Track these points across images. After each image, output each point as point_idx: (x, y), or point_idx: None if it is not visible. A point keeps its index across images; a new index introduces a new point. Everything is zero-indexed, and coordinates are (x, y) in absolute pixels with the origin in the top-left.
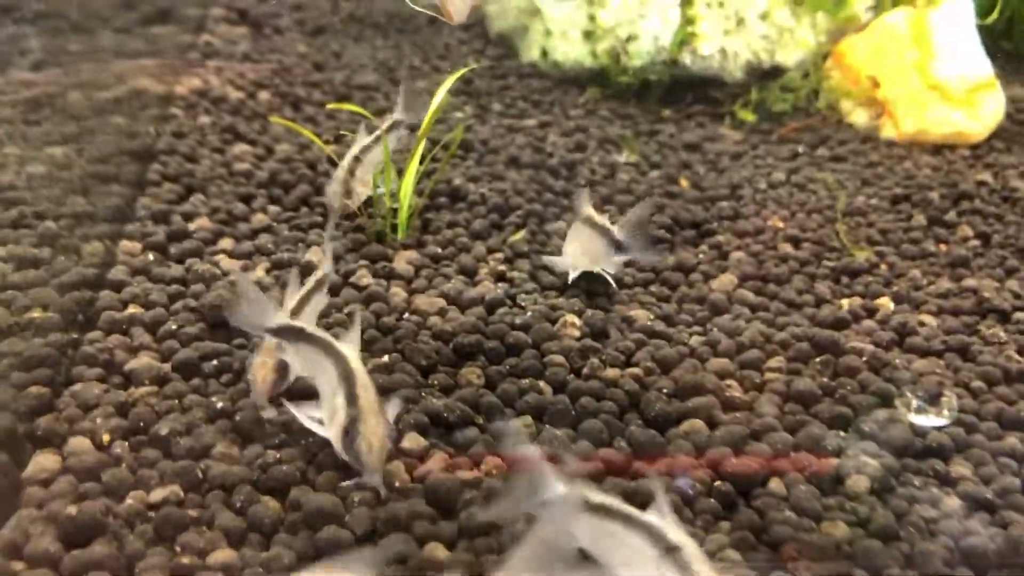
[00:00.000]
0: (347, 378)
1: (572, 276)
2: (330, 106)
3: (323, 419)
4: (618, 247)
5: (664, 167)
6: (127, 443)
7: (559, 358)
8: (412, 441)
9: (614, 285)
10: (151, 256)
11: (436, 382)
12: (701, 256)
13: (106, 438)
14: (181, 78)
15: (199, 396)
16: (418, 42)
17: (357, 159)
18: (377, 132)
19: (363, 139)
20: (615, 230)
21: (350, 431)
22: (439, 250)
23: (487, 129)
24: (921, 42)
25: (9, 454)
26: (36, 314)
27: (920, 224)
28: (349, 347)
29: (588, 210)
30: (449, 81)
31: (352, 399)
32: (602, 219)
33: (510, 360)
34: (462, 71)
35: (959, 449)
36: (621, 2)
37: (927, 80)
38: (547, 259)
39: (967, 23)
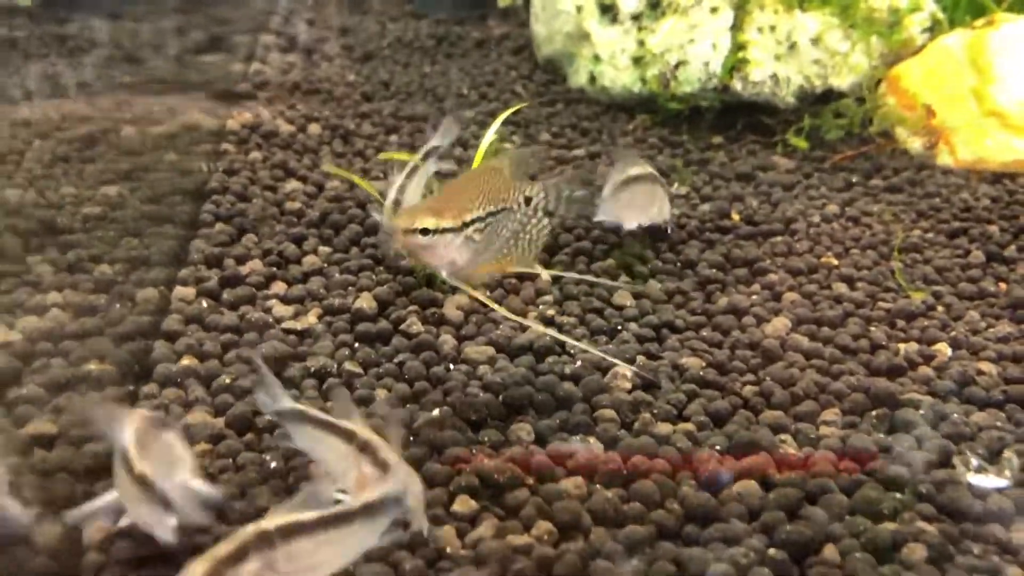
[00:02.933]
0: (365, 447)
1: (627, 229)
2: (381, 156)
3: (348, 492)
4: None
5: (715, 199)
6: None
7: (610, 412)
8: (463, 504)
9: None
10: (204, 303)
11: (487, 438)
12: (754, 298)
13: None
14: (233, 111)
15: (252, 453)
16: (465, 67)
17: (397, 202)
18: (411, 166)
19: (398, 178)
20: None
21: (391, 494)
22: (488, 294)
23: (535, 161)
24: (979, 66)
25: None
26: (93, 366)
27: (979, 260)
28: (353, 422)
29: (637, 164)
30: (499, 120)
31: (381, 464)
32: (654, 171)
33: (560, 413)
34: (513, 108)
35: (1021, 513)
36: (670, 27)
37: (986, 106)
38: (600, 218)
39: None
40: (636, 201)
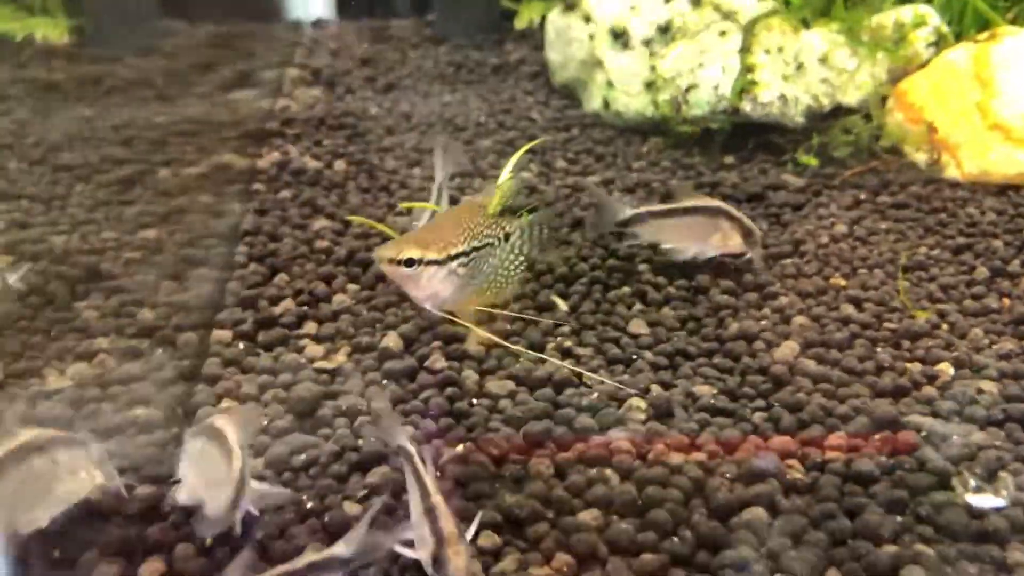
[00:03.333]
0: (430, 511)
1: (683, 258)
2: (402, 206)
3: (415, 541)
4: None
5: None
6: (228, 548)
7: (626, 444)
8: (487, 539)
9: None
10: (241, 345)
11: (508, 473)
12: (764, 323)
13: (208, 541)
14: (263, 150)
15: (290, 492)
16: (483, 94)
17: None
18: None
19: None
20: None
21: (439, 559)
22: (508, 326)
23: (552, 189)
24: (982, 80)
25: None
26: (139, 411)
27: (983, 276)
28: (432, 478)
29: (699, 196)
30: (517, 155)
31: (437, 531)
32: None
33: (578, 446)
34: (532, 143)
35: (1016, 532)
36: (680, 51)
37: (989, 120)
38: (666, 247)
39: None
40: (694, 231)
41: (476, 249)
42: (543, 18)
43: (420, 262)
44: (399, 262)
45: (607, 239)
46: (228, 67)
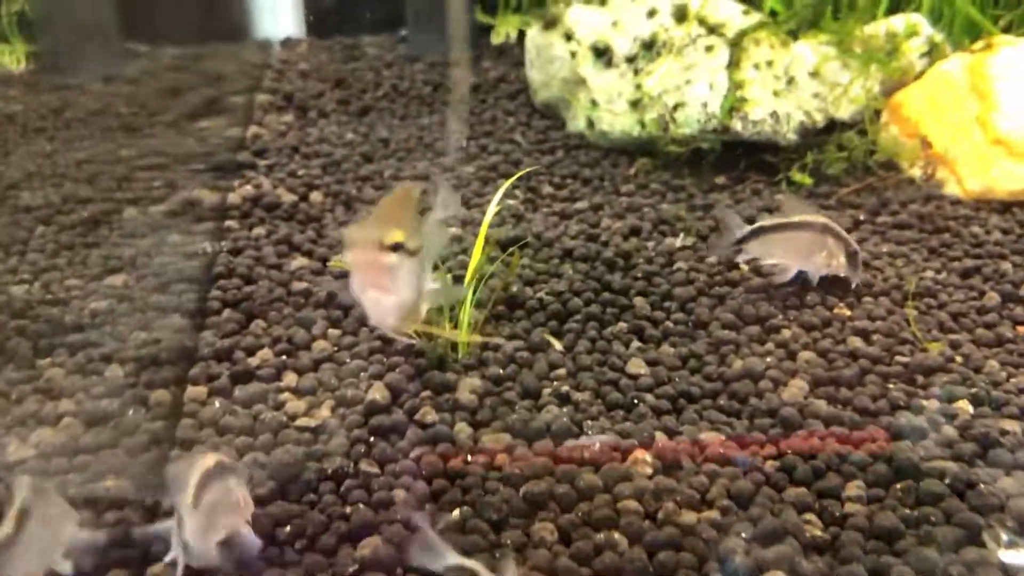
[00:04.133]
0: None
1: (786, 278)
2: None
3: None
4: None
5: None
6: None
7: (633, 504)
8: None
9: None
10: (217, 403)
11: (509, 541)
12: (769, 360)
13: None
14: (234, 183)
15: (277, 570)
16: (465, 114)
17: None
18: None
19: None
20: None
21: None
22: (500, 371)
23: (539, 218)
24: (980, 92)
25: None
26: (110, 483)
27: (994, 302)
28: None
29: (803, 209)
30: (505, 186)
31: None
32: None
33: (582, 506)
34: (521, 172)
35: None
36: (666, 68)
37: (990, 134)
38: (767, 263)
39: None
40: (800, 249)
41: (421, 247)
42: (520, 33)
43: (403, 248)
44: (385, 247)
45: (726, 257)
46: (195, 93)
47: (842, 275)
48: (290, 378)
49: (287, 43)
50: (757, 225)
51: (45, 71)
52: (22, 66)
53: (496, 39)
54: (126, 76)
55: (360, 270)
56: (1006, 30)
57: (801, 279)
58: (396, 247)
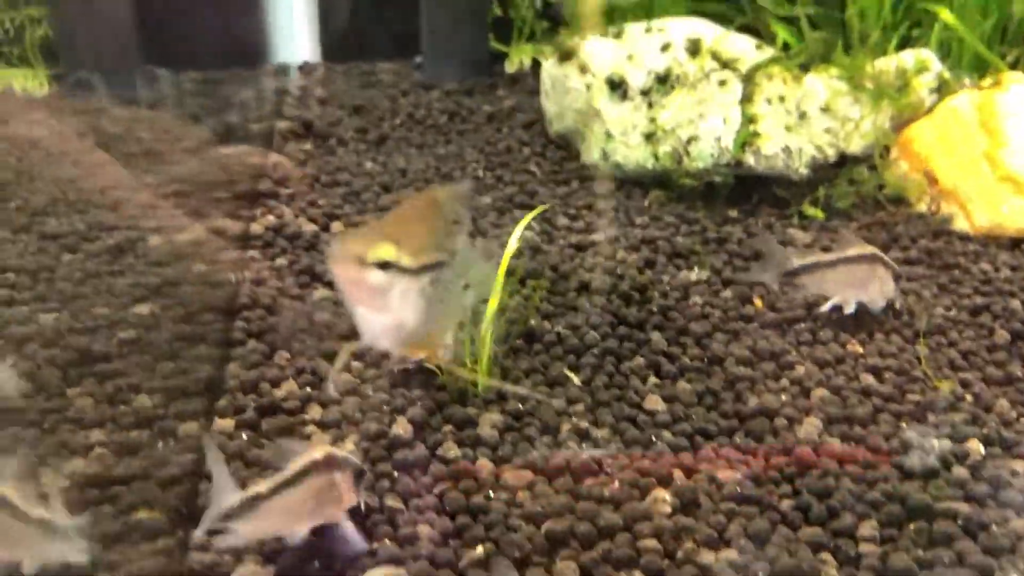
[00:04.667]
0: None
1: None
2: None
3: None
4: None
5: (737, 283)
6: None
7: (652, 542)
8: None
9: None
10: (245, 436)
11: None
12: (784, 397)
13: None
14: (256, 212)
15: None
16: (479, 144)
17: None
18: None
19: None
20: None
21: None
22: (520, 406)
23: (555, 250)
24: (989, 129)
25: None
26: (143, 515)
27: (1004, 340)
28: None
29: (858, 242)
30: (524, 222)
31: None
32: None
33: (603, 544)
34: (540, 209)
35: None
36: (680, 102)
37: (999, 171)
38: (813, 293)
39: None
40: (855, 280)
41: (440, 265)
42: (534, 61)
43: (396, 268)
44: (368, 264)
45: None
46: (216, 119)
47: (892, 300)
48: (315, 411)
49: (304, 68)
50: (811, 261)
51: (67, 95)
52: (45, 90)
53: (510, 67)
54: (147, 101)
55: (342, 287)
56: (1013, 66)
57: (871, 309)
58: (384, 265)
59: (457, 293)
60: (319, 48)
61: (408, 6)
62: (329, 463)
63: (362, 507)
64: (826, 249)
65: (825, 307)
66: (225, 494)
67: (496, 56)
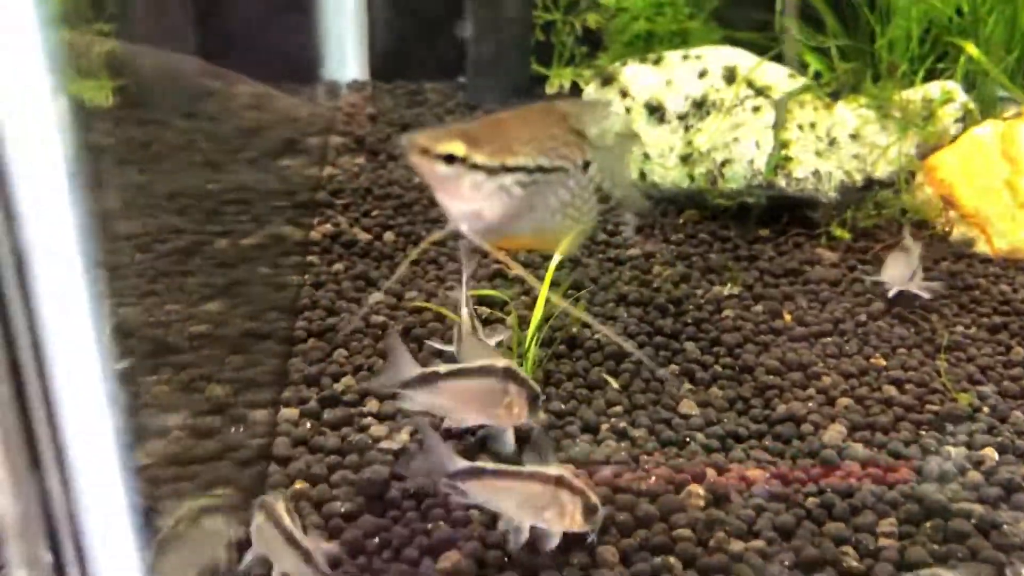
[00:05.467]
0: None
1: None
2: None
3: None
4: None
5: (767, 299)
6: None
7: (687, 532)
8: None
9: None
10: (308, 424)
11: (576, 561)
12: (810, 404)
13: None
14: (315, 220)
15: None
16: None
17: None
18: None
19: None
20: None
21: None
22: (562, 405)
23: (594, 263)
24: (1010, 157)
25: None
26: (221, 492)
27: (1020, 357)
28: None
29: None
30: (568, 239)
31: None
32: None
33: (640, 532)
34: (578, 228)
35: None
36: (716, 127)
37: (1019, 198)
38: (869, 279)
39: None
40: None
41: (543, 170)
42: (573, 84)
43: (464, 162)
44: (434, 156)
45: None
46: (272, 132)
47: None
48: (372, 404)
49: (353, 85)
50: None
51: (130, 106)
52: (110, 101)
53: (550, 89)
54: (206, 113)
55: (419, 175)
56: None
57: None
58: (449, 159)
59: (578, 201)
60: (368, 67)
61: (453, 28)
62: (507, 374)
63: (532, 430)
64: (851, 268)
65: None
66: (405, 366)
67: (537, 78)
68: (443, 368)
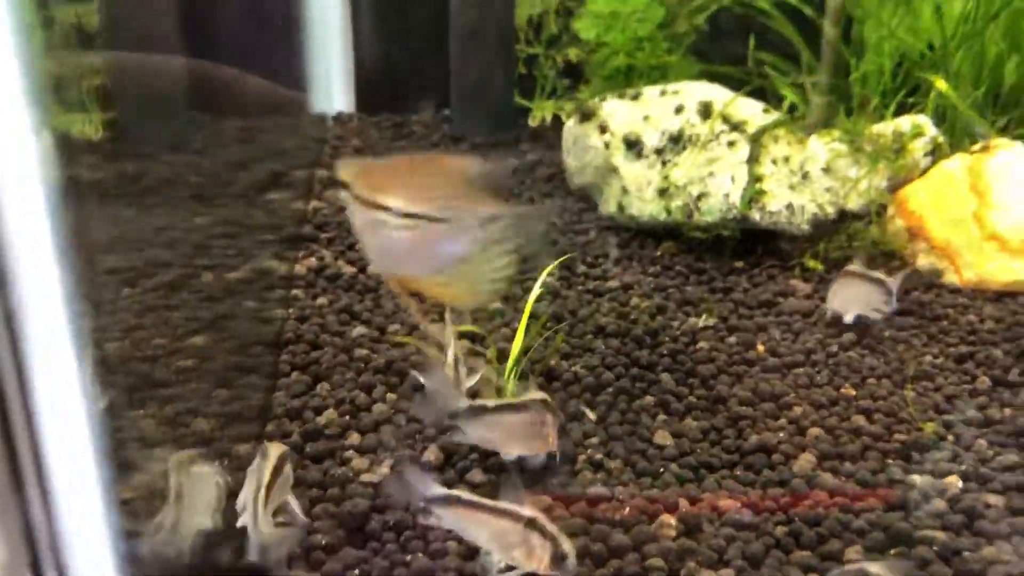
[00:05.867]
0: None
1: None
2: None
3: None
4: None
5: (741, 330)
6: None
7: (659, 562)
8: None
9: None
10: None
11: None
12: (781, 435)
13: None
14: (299, 254)
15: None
16: (506, 195)
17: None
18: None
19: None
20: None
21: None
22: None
23: (574, 295)
24: (979, 191)
25: None
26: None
27: (985, 386)
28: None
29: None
30: (548, 269)
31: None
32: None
33: (614, 562)
34: (557, 262)
35: None
36: (692, 161)
37: (986, 230)
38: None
39: (1021, 172)
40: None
41: (438, 219)
42: (555, 116)
43: (348, 190)
44: (338, 182)
45: None
46: (259, 165)
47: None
48: (354, 437)
49: (339, 118)
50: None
51: (119, 140)
52: (99, 134)
53: (533, 122)
54: (193, 147)
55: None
56: (1004, 129)
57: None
58: (344, 185)
59: (476, 256)
60: (353, 98)
61: (438, 61)
62: (545, 405)
63: (557, 456)
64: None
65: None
66: (453, 397)
67: (520, 110)
68: (491, 402)
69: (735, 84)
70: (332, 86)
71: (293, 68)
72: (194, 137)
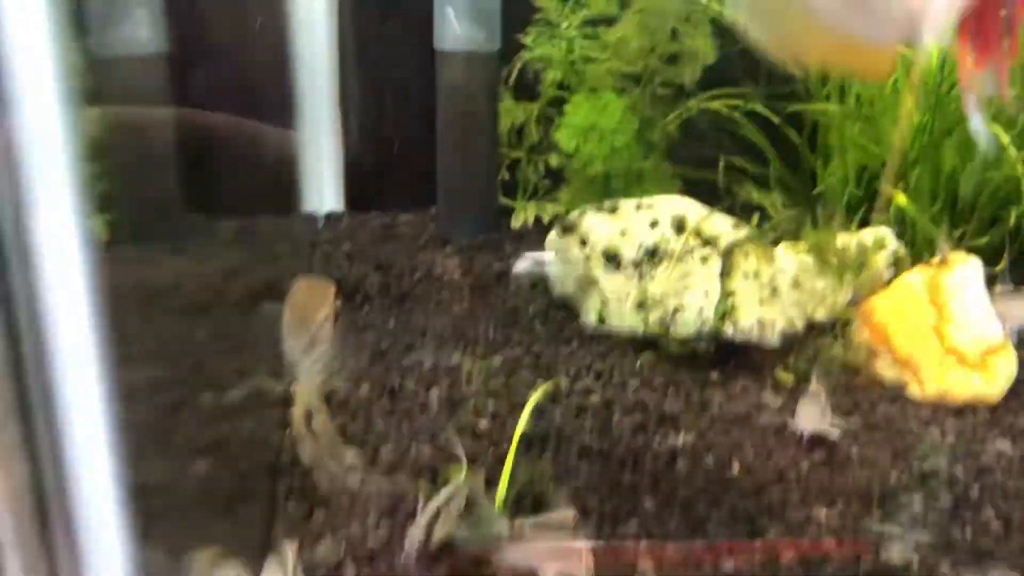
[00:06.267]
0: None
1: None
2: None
3: None
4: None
5: (717, 448)
6: None
7: None
8: None
9: None
10: None
11: None
12: (757, 556)
13: None
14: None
15: None
16: (491, 302)
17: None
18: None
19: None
20: None
21: None
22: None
23: (558, 412)
24: (938, 305)
25: None
26: None
27: (946, 506)
28: None
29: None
30: (536, 396)
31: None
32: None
33: None
34: (544, 387)
35: None
36: (667, 275)
37: (946, 344)
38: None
39: (978, 286)
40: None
41: None
42: (537, 218)
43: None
44: None
45: None
46: (253, 272)
47: None
48: (349, 573)
49: (330, 218)
50: None
51: (120, 243)
52: (106, 237)
53: (515, 223)
54: (189, 251)
55: None
56: (960, 239)
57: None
58: None
59: None
60: (343, 197)
61: (425, 161)
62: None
63: None
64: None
65: None
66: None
67: (503, 210)
68: (530, 520)
69: (708, 188)
70: (323, 184)
71: (285, 168)
72: (188, 241)
